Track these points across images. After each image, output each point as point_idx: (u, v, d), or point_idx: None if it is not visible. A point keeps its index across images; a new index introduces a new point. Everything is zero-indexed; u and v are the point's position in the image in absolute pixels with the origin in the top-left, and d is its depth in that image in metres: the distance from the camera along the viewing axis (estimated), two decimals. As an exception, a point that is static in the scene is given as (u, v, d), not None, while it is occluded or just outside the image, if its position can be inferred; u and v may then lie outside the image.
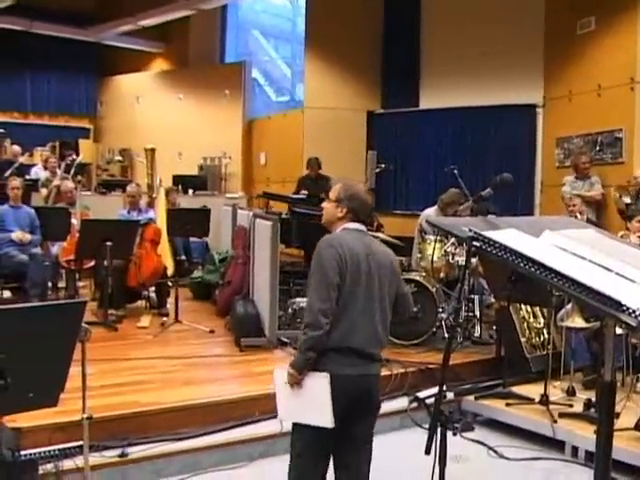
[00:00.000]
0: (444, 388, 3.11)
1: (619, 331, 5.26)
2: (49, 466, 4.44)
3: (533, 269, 2.28)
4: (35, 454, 4.42)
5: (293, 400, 3.63)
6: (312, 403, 3.54)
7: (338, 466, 3.77)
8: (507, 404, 6.10)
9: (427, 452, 2.97)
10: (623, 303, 2.10)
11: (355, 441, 3.75)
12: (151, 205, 9.05)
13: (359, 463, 3.78)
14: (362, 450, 3.79)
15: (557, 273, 2.23)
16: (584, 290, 2.17)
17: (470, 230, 2.45)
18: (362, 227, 3.77)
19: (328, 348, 3.55)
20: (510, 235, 2.44)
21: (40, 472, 4.37)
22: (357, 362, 3.59)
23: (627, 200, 8.88)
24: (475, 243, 2.42)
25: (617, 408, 5.20)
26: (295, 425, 3.71)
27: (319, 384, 3.51)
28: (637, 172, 9.02)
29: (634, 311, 2.08)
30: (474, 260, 7.31)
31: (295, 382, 3.57)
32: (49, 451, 4.49)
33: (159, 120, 16.73)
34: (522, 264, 2.31)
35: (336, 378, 3.51)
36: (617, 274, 2.32)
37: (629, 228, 6.95)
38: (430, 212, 8.60)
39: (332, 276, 3.52)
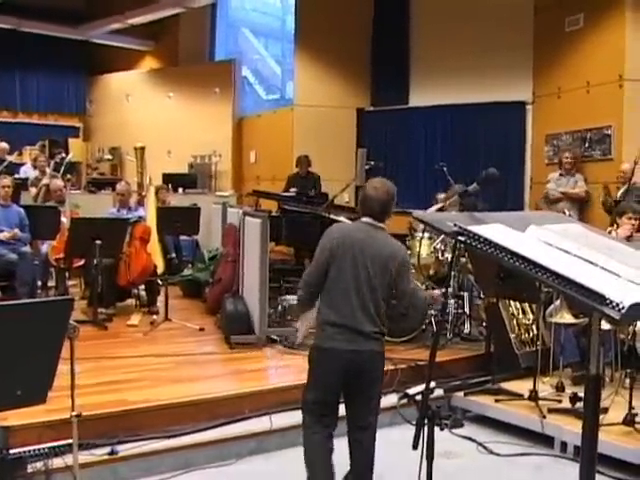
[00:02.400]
0: (433, 384, 3.13)
1: (607, 326, 5.29)
2: (38, 464, 4.43)
3: (518, 263, 2.29)
4: (24, 452, 4.41)
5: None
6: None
7: (350, 442, 4.19)
8: (496, 400, 6.12)
9: (415, 447, 3.00)
10: (607, 296, 2.11)
11: (356, 419, 4.17)
12: (141, 203, 9.04)
13: (363, 439, 4.15)
14: (366, 428, 4.15)
15: (542, 267, 2.24)
16: (568, 284, 2.19)
17: (455, 225, 2.47)
18: (372, 221, 4.17)
19: (323, 320, 4.10)
20: (495, 230, 2.45)
21: (29, 470, 4.37)
22: (351, 337, 3.98)
23: (616, 196, 8.94)
24: (460, 238, 2.43)
25: (606, 403, 5.26)
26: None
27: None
28: (624, 166, 9.06)
29: (617, 304, 2.09)
30: (463, 259, 7.34)
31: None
32: (38, 449, 4.48)
33: (149, 118, 16.70)
34: (507, 258, 2.32)
35: (331, 350, 4.03)
36: (602, 268, 2.33)
37: (618, 224, 6.95)
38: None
39: (320, 256, 4.14)
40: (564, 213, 7.58)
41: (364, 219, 4.20)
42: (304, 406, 4.29)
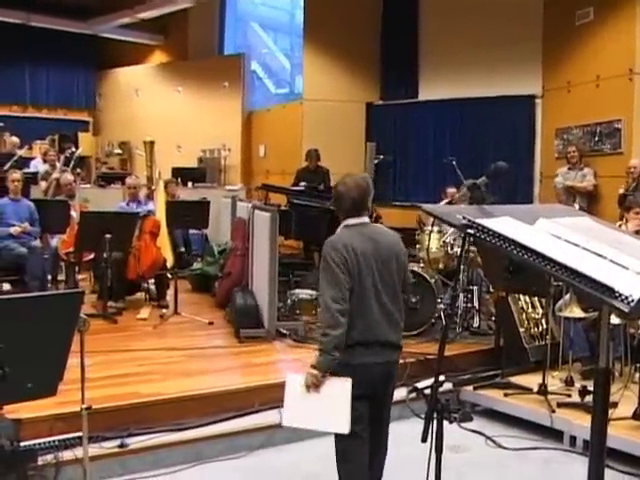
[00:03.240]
0: (442, 378, 3.13)
1: (617, 321, 5.29)
2: (49, 457, 4.46)
3: (527, 256, 2.29)
4: (35, 445, 4.44)
5: (306, 405, 3.65)
6: (329, 407, 3.58)
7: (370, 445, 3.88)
8: (505, 394, 6.11)
9: (424, 440, 3.00)
10: (616, 289, 2.11)
11: (382, 421, 3.96)
12: (150, 197, 9.06)
13: (383, 439, 3.99)
14: (385, 428, 3.99)
15: (550, 260, 2.23)
16: (577, 277, 2.18)
17: (464, 218, 2.46)
18: (361, 219, 3.84)
19: (353, 342, 3.66)
20: (504, 223, 2.44)
21: (40, 463, 4.39)
22: (379, 351, 3.72)
23: (626, 191, 8.94)
24: (469, 231, 2.43)
25: (615, 397, 5.22)
26: None
27: (340, 387, 3.57)
28: (633, 162, 9.05)
29: (626, 297, 2.09)
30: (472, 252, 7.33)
31: (316, 384, 3.63)
32: (49, 442, 4.51)
33: (158, 113, 16.74)
34: (515, 251, 2.32)
35: (360, 366, 3.66)
36: (611, 261, 2.32)
37: (626, 218, 6.94)
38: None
39: (341, 277, 3.63)
40: (575, 206, 7.57)
41: (354, 220, 3.81)
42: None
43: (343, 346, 3.61)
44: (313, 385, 3.63)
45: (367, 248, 3.72)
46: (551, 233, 2.46)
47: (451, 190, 9.71)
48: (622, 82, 9.72)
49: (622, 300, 2.10)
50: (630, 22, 9.67)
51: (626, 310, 2.09)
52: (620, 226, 6.76)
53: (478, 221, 2.42)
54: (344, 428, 3.54)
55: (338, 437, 3.74)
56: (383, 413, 3.95)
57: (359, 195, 3.81)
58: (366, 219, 3.87)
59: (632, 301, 2.09)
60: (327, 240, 3.80)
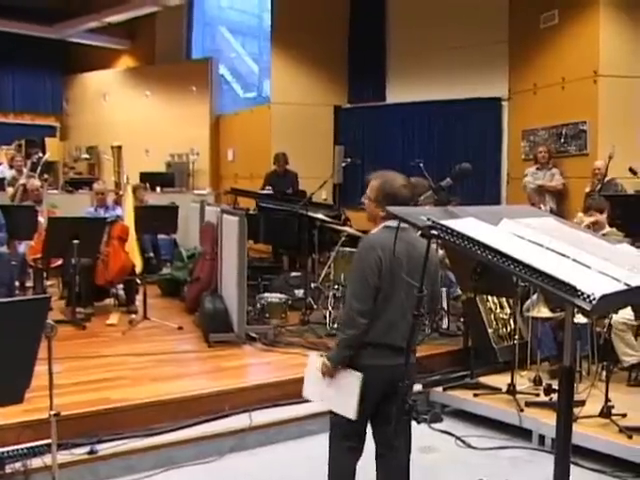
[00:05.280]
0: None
1: (584, 320, 5.35)
2: (17, 465, 4.42)
3: (491, 256, 2.31)
4: (2, 453, 4.40)
5: (322, 386, 3.80)
6: (340, 395, 3.70)
7: (381, 443, 3.90)
8: (475, 394, 6.15)
9: (393, 440, 3.02)
10: (578, 288, 2.14)
11: (390, 418, 3.82)
12: (118, 202, 9.03)
13: (394, 437, 3.87)
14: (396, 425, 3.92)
15: (514, 260, 2.26)
16: (540, 276, 2.21)
17: (428, 219, 2.49)
18: (402, 224, 3.74)
19: (366, 343, 3.68)
20: (468, 223, 2.47)
21: (8, 471, 4.35)
22: (389, 354, 3.69)
23: (587, 189, 9.07)
24: (433, 232, 2.45)
25: (583, 396, 5.31)
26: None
27: (351, 381, 3.65)
28: (597, 163, 9.17)
29: (589, 296, 2.12)
30: (441, 252, 7.36)
31: (328, 374, 3.73)
32: (16, 449, 4.47)
33: (126, 117, 16.68)
34: (480, 252, 2.34)
35: (372, 368, 3.67)
36: (573, 260, 2.36)
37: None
38: None
39: (371, 278, 3.62)
40: (540, 207, 7.63)
41: (392, 223, 3.64)
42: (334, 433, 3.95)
43: (357, 345, 3.66)
44: (326, 373, 3.73)
45: (403, 252, 3.65)
46: (514, 233, 2.49)
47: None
48: (587, 84, 9.83)
49: (584, 299, 2.13)
50: (594, 25, 9.78)
51: (588, 308, 2.13)
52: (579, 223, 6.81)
53: (442, 222, 2.45)
54: (351, 415, 3.64)
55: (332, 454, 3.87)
56: (391, 409, 3.75)
57: (409, 199, 3.83)
58: (405, 225, 3.67)
59: (594, 299, 2.12)
60: (365, 237, 3.84)
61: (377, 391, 3.72)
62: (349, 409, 3.65)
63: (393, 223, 3.67)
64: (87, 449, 4.80)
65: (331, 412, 3.88)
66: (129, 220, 8.49)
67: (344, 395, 3.66)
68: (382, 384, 3.71)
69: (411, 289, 3.58)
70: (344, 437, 3.85)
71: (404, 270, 3.62)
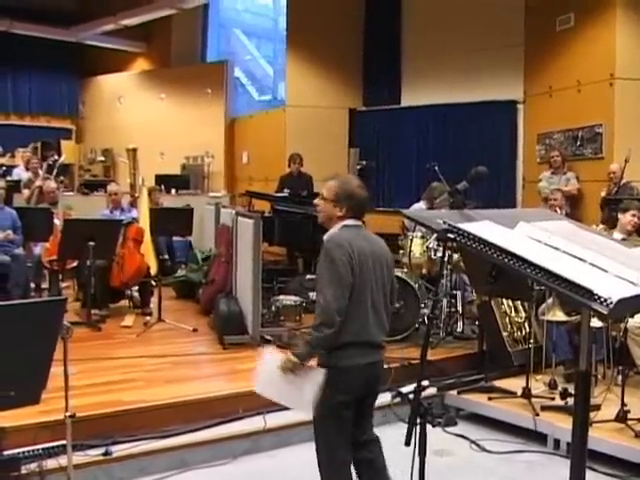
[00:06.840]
0: (426, 382, 3.15)
1: (599, 324, 5.33)
2: (32, 465, 4.43)
3: (507, 260, 2.31)
4: (18, 453, 4.42)
5: (280, 382, 3.72)
6: (298, 390, 3.65)
7: (361, 442, 3.96)
8: (489, 398, 6.14)
9: (407, 444, 3.02)
10: (595, 292, 2.13)
11: (369, 417, 4.03)
12: (134, 205, 9.04)
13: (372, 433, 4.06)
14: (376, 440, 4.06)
15: (530, 263, 2.25)
16: (557, 280, 2.20)
17: (444, 222, 2.48)
18: (359, 222, 3.87)
19: (344, 342, 3.66)
20: (484, 226, 2.46)
21: (23, 472, 4.37)
22: (369, 352, 3.76)
23: (602, 193, 9.01)
24: (449, 235, 2.45)
25: (598, 400, 5.29)
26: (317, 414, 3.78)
27: (314, 378, 3.63)
28: (613, 166, 9.12)
29: (605, 300, 2.11)
30: (456, 256, 7.35)
31: (292, 370, 3.66)
32: (32, 450, 4.49)
33: (141, 120, 16.71)
34: (496, 255, 2.34)
35: (353, 368, 3.70)
36: (590, 264, 2.35)
37: (621, 220, 6.83)
38: (418, 207, 8.66)
39: (345, 275, 3.62)
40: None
41: (353, 222, 3.82)
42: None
43: (330, 346, 3.63)
44: (289, 370, 3.66)
45: (366, 249, 3.73)
46: (531, 237, 2.48)
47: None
48: (603, 87, 9.78)
49: (601, 302, 2.12)
50: (610, 27, 9.73)
51: (605, 312, 2.12)
52: (605, 229, 6.79)
53: (458, 225, 2.44)
54: (307, 413, 3.68)
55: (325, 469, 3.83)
56: (369, 408, 4.01)
57: (365, 199, 3.87)
58: (360, 223, 3.89)
59: (611, 303, 2.11)
60: (328, 237, 3.79)
61: (360, 390, 3.78)
62: (305, 407, 3.65)
63: (351, 222, 3.81)
64: (102, 450, 4.82)
65: (315, 416, 3.80)
66: (144, 222, 8.51)
67: (302, 391, 3.63)
68: (364, 383, 3.78)
69: (379, 283, 3.79)
70: (338, 441, 3.82)
71: (370, 265, 3.72)
